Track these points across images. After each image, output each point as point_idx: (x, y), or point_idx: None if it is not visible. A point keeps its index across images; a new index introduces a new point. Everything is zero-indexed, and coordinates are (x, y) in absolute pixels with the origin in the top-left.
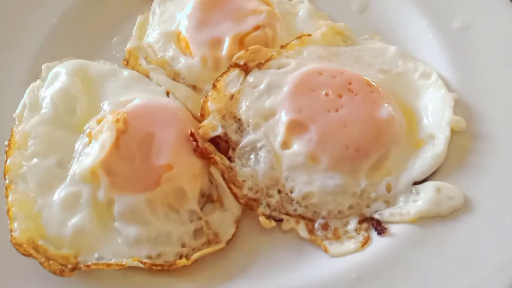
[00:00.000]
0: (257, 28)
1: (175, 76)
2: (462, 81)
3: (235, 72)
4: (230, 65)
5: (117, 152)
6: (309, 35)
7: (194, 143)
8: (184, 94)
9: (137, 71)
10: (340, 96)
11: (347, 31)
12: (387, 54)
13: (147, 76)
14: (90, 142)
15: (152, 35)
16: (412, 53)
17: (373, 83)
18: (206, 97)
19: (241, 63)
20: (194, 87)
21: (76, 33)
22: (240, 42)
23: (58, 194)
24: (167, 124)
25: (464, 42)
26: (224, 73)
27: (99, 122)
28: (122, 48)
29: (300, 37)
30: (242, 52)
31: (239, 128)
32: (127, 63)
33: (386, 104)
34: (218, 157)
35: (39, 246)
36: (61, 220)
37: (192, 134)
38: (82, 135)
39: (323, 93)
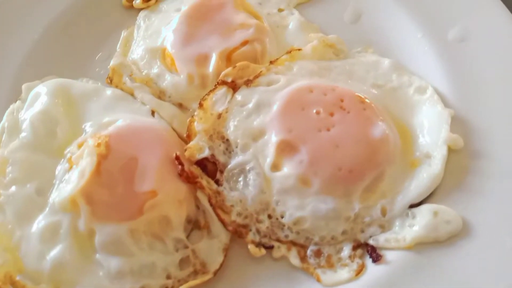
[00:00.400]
0: (245, 43)
1: (160, 94)
2: (459, 95)
3: (222, 90)
4: (218, 83)
5: (98, 179)
6: (299, 49)
7: (180, 166)
8: (170, 113)
9: (121, 89)
10: (332, 114)
11: (339, 44)
12: (381, 68)
13: (132, 95)
14: (70, 167)
15: (137, 51)
16: (406, 66)
17: (366, 100)
18: (192, 117)
19: (229, 80)
20: (180, 106)
21: (59, 49)
22: (228, 58)
23: (37, 225)
24: (151, 147)
25: (461, 54)
26: (211, 91)
27: (80, 146)
28: (106, 64)
29: (290, 51)
30: (229, 69)
31: (227, 149)
32: (111, 81)
33: (380, 122)
34: (205, 181)
35: (17, 282)
36: (40, 252)
37: (177, 158)
38: (63, 159)
39: (314, 111)
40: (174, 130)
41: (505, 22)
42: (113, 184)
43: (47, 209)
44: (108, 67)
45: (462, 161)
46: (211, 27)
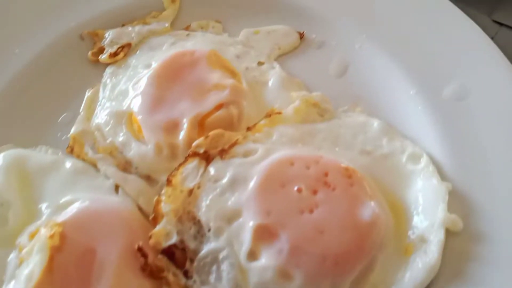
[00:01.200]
0: (219, 106)
1: (126, 165)
2: (456, 164)
3: (193, 163)
4: (189, 155)
5: (49, 279)
6: (279, 112)
7: (143, 259)
8: (136, 188)
9: (83, 160)
10: (315, 192)
11: (323, 103)
12: (370, 131)
13: (95, 166)
14: (21, 263)
15: (101, 115)
16: (398, 127)
17: (353, 173)
18: (158, 196)
19: (201, 151)
20: (148, 178)
21: (17, 111)
22: (200, 124)
23: None
24: (111, 236)
25: (458, 115)
26: (181, 164)
27: (32, 236)
28: (70, 128)
29: (270, 115)
30: (201, 139)
31: (198, 232)
32: (72, 150)
33: (369, 201)
34: (171, 274)
35: None
36: None
37: (139, 249)
38: (14, 250)
39: (295, 189)
40: (140, 208)
41: (509, 79)
42: (66, 285)
43: None
44: (69, 135)
45: (461, 245)
46: (183, 88)
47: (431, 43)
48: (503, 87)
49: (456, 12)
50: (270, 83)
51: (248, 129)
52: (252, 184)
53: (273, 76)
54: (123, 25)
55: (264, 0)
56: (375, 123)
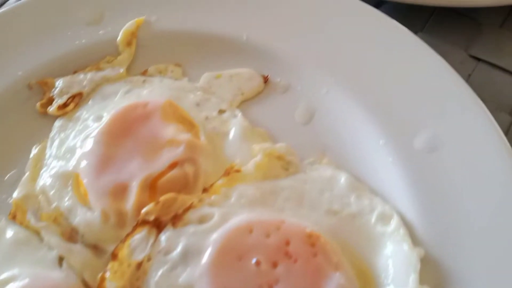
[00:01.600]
0: (173, 165)
1: (72, 233)
2: (429, 225)
3: (142, 233)
4: (137, 223)
5: None
6: (238, 170)
7: None
8: (81, 260)
9: (26, 227)
10: (275, 265)
11: (288, 155)
12: (337, 186)
13: (38, 234)
14: None
15: (46, 176)
16: (367, 181)
17: (317, 239)
18: (103, 272)
19: (151, 219)
20: (95, 248)
21: None
22: (152, 186)
23: None
24: None
25: (430, 168)
26: (128, 235)
27: None
28: (16, 189)
29: (228, 173)
30: (151, 205)
31: None
32: (14, 217)
33: (333, 272)
34: None
35: None
36: None
37: None
38: None
39: (254, 261)
40: (86, 283)
41: (485, 128)
42: None
43: None
44: (10, 201)
45: None
46: (133, 146)
47: (401, 88)
48: (479, 136)
49: (430, 54)
50: (231, 135)
51: (205, 190)
52: (205, 257)
53: (235, 126)
54: (75, 72)
55: (227, 42)
56: (342, 178)
